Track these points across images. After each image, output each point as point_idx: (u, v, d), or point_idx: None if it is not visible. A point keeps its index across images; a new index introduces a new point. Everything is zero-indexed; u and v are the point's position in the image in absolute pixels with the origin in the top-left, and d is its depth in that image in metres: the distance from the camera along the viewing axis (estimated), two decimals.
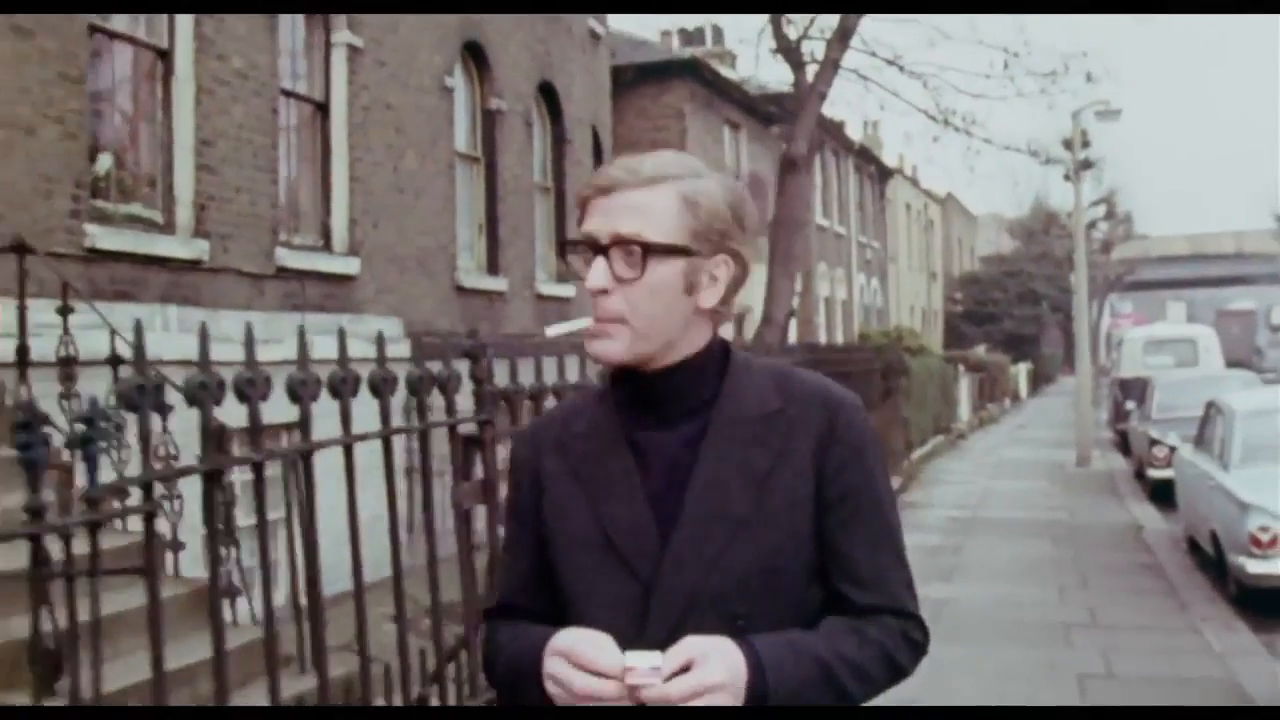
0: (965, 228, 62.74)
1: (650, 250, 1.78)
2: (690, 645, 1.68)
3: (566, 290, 15.42)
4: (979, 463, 22.25)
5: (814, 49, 14.74)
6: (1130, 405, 21.27)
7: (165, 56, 9.04)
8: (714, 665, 1.66)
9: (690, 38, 31.71)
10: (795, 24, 14.61)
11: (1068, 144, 23.61)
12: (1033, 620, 9.12)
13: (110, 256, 8.17)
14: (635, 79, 20.73)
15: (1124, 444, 22.73)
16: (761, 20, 14.86)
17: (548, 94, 15.52)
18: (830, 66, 14.19)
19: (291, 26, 10.55)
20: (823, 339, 30.14)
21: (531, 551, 1.93)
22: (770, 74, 18.94)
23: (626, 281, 1.79)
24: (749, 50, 21.88)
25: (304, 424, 3.51)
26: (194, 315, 8.88)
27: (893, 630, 1.84)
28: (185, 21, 9.07)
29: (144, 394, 2.74)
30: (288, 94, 10.41)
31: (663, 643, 1.71)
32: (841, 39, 14.07)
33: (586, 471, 1.88)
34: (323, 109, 10.97)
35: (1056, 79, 16.10)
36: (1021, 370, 47.90)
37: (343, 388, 3.73)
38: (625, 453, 1.86)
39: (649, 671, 1.65)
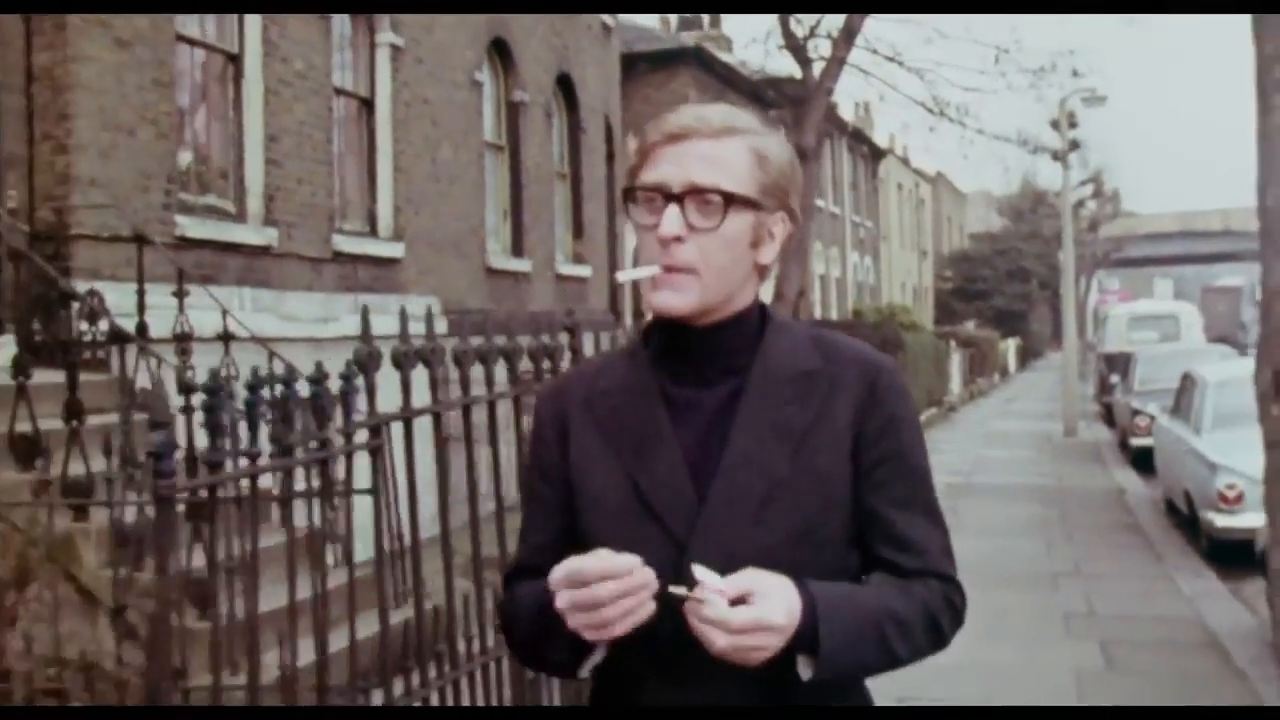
0: (955, 206, 63.75)
1: (731, 200, 1.76)
2: (753, 578, 1.65)
3: (584, 271, 16.41)
4: (971, 433, 23.26)
5: (818, 45, 15.70)
6: (1114, 379, 22.29)
7: (236, 60, 9.94)
8: (775, 604, 1.64)
9: (688, 22, 32.52)
10: (802, 23, 15.61)
11: (1055, 124, 24.50)
12: (1023, 570, 10.11)
13: (195, 244, 9.09)
14: (641, 67, 21.65)
15: (1109, 416, 23.78)
16: (769, 18, 15.84)
17: (564, 85, 16.42)
18: (836, 64, 15.21)
19: (341, 28, 11.45)
20: (817, 315, 31.10)
21: (557, 511, 1.88)
22: (770, 59, 19.95)
23: (701, 231, 1.75)
24: (758, 48, 22.81)
25: (464, 386, 4.40)
26: (265, 296, 9.83)
27: (937, 594, 1.82)
28: (254, 27, 9.97)
29: (371, 359, 3.67)
30: (339, 92, 11.33)
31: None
32: (846, 39, 15.09)
33: (617, 427, 1.84)
34: (368, 105, 11.89)
35: (1045, 75, 17.09)
36: (1010, 346, 48.97)
37: (440, 357, 4.63)
38: (659, 408, 1.82)
39: (715, 590, 1.62)
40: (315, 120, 10.68)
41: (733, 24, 31.38)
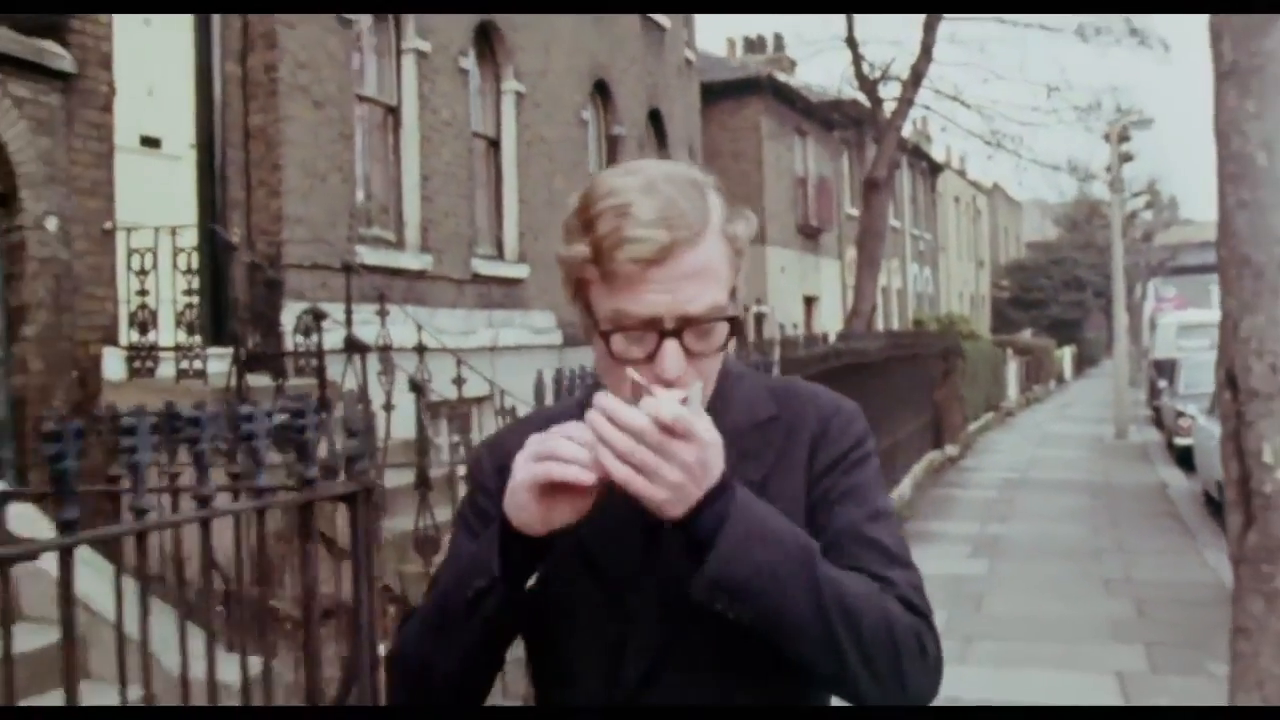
0: (1010, 216, 64.91)
1: (735, 324, 1.62)
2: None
3: None
4: (1027, 436, 24.74)
5: (888, 86, 17.45)
6: (1163, 384, 23.70)
7: (395, 111, 11.71)
8: (705, 424, 1.49)
9: (753, 45, 34.11)
10: (874, 68, 17.39)
11: (1108, 138, 25.78)
12: (1070, 546, 11.67)
13: (371, 269, 10.84)
14: (717, 96, 23.33)
15: (1158, 419, 25.15)
16: (844, 62, 17.59)
17: (655, 119, 18.16)
18: (905, 105, 16.95)
19: (476, 80, 13.22)
20: (880, 326, 32.63)
21: None
22: (830, 80, 21.79)
23: (700, 356, 1.59)
24: (831, 87, 24.85)
25: None
26: (422, 313, 11.55)
27: (903, 617, 1.59)
28: (410, 82, 11.74)
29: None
30: (476, 135, 13.09)
31: (642, 676, 1.63)
32: (914, 82, 16.83)
33: None
34: (495, 144, 13.65)
35: (1091, 111, 18.72)
36: (1066, 353, 50.17)
37: None
38: None
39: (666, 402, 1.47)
40: (458, 161, 12.44)
41: (784, 33, 33.26)
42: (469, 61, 12.81)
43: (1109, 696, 7.01)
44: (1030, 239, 66.71)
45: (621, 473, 1.46)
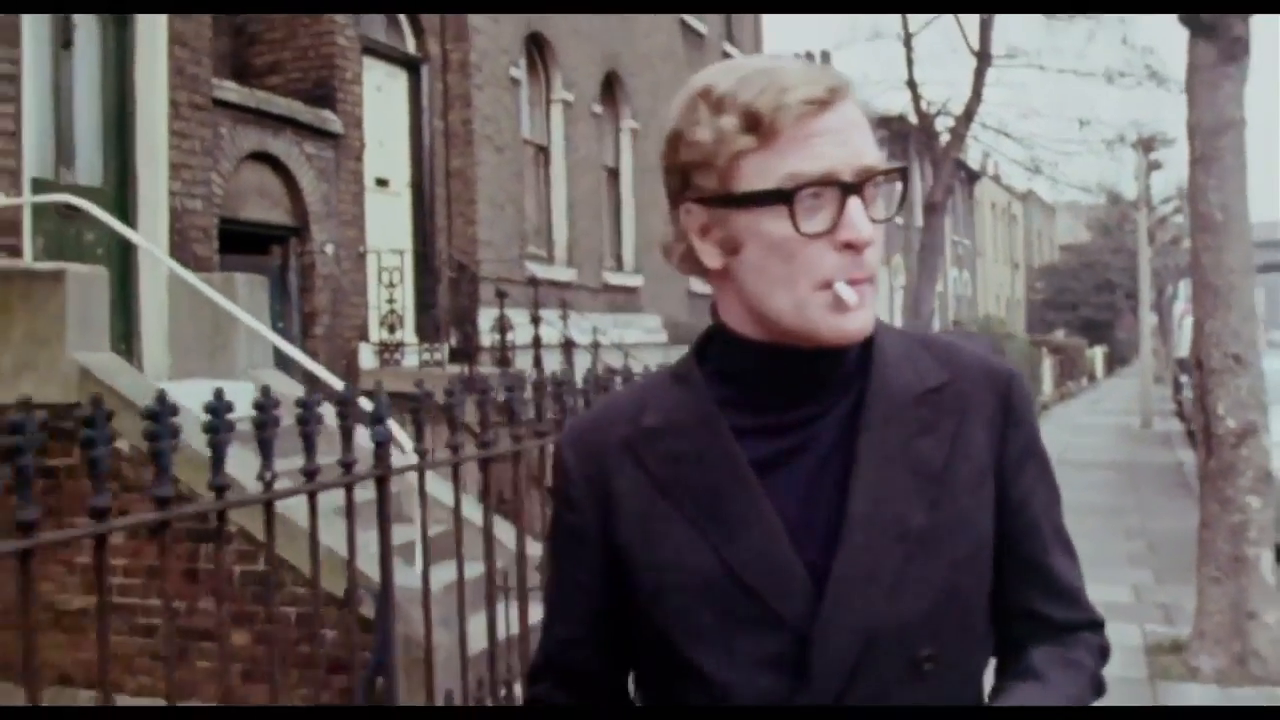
0: (1044, 220, 67.21)
1: (906, 178, 1.39)
2: None
3: None
4: (1061, 426, 27.23)
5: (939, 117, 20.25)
6: (1184, 379, 26.21)
7: (545, 150, 14.40)
8: None
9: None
10: (930, 104, 20.25)
11: (1135, 146, 27.91)
12: (1098, 506, 14.25)
13: (534, 282, 13.52)
14: None
15: (1181, 411, 27.65)
16: (904, 99, 20.46)
17: None
18: (958, 139, 19.69)
19: (603, 121, 15.92)
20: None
21: (593, 594, 1.44)
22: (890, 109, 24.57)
23: (877, 225, 1.33)
24: (884, 109, 28.08)
25: None
26: (570, 316, 14.27)
27: (1094, 649, 1.52)
28: (558, 128, 14.44)
29: None
30: (602, 167, 15.80)
31: (833, 700, 1.33)
32: (966, 119, 19.57)
33: (677, 481, 1.38)
34: (615, 173, 16.35)
35: (1116, 144, 21.50)
36: (1098, 353, 52.42)
37: None
38: (736, 451, 1.36)
39: None
40: (593, 189, 15.15)
41: (830, 50, 36.20)
42: (598, 107, 15.49)
43: (1124, 596, 9.64)
44: (1063, 242, 68.95)
45: None
